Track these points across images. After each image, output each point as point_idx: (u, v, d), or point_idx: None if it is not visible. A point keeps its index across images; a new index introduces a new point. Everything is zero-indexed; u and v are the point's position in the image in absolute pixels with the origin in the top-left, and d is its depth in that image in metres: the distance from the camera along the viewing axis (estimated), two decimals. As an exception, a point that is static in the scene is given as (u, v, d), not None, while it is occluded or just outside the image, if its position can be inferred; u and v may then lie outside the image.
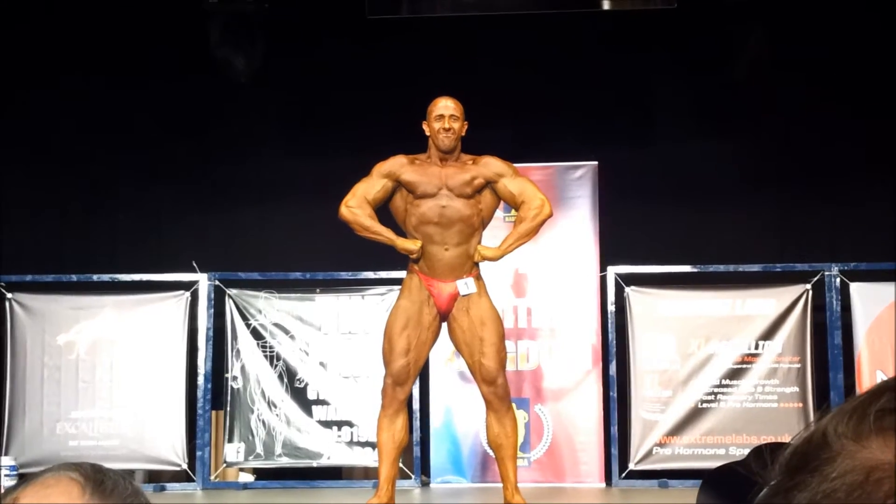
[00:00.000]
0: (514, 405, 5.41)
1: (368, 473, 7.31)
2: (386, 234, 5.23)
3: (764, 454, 0.65)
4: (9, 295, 7.33)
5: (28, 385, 7.24)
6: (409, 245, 5.20)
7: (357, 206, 5.23)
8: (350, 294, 7.40)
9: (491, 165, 5.35)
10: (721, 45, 7.56)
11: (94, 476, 1.02)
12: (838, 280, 7.18)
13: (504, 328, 5.42)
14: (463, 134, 5.39)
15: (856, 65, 7.65)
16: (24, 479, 1.11)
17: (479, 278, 5.38)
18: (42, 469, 1.09)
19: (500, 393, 5.28)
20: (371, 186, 5.28)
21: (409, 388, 5.27)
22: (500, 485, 7.11)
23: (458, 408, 7.31)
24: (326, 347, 7.36)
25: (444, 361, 7.35)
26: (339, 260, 7.54)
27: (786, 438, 0.67)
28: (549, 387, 7.31)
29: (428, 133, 5.36)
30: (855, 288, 7.12)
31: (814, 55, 7.63)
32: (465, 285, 5.15)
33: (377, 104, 7.70)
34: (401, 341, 5.20)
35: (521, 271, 7.43)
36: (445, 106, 5.36)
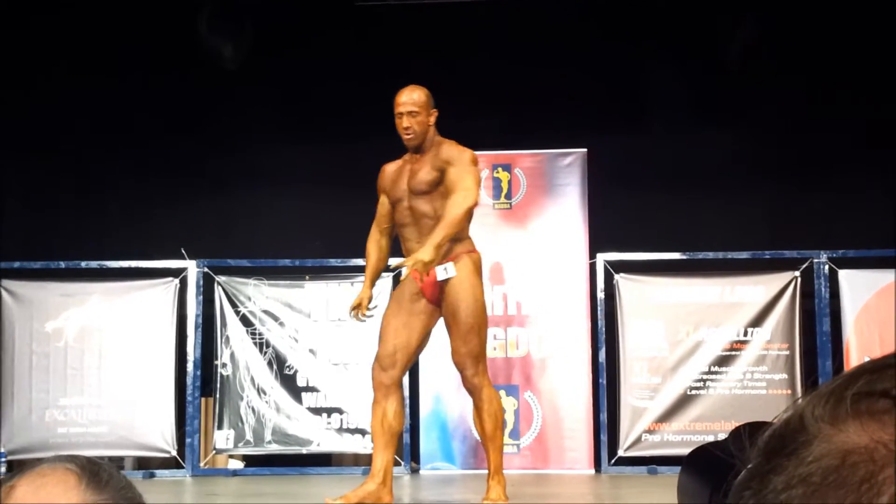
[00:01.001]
0: (496, 393, 5.29)
1: (358, 460, 7.33)
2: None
3: (742, 435, 0.65)
4: (-3, 282, 7.31)
5: (16, 372, 7.23)
6: (355, 301, 5.30)
7: (370, 236, 5.37)
8: (339, 281, 7.39)
9: (443, 153, 5.09)
10: (712, 32, 7.56)
11: (90, 468, 1.03)
12: (827, 267, 7.20)
13: (481, 315, 5.11)
14: (431, 123, 5.17)
15: (847, 53, 7.66)
16: (16, 469, 1.11)
17: (463, 259, 5.14)
18: (34, 458, 1.09)
19: (472, 383, 5.13)
20: (379, 206, 5.39)
21: (395, 374, 5.17)
22: (487, 471, 7.14)
23: (447, 395, 7.33)
24: (316, 334, 7.36)
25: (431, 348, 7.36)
26: (328, 247, 7.54)
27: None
28: (539, 374, 7.32)
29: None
30: (843, 275, 7.15)
31: (806, 43, 7.63)
32: (444, 270, 5.10)
33: (366, 92, 7.68)
34: (388, 327, 5.21)
35: (510, 258, 7.43)
36: (402, 102, 5.13)
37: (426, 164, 5.15)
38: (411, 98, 5.13)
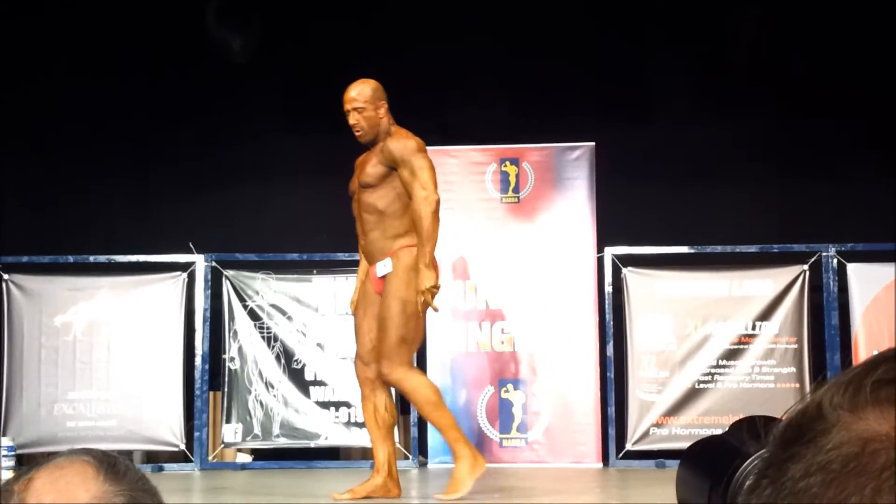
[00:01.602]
0: (419, 380, 5.12)
1: (366, 454, 7.33)
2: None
3: (743, 428, 0.65)
4: (5, 276, 7.32)
5: (25, 366, 7.24)
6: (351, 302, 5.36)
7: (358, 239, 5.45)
8: (347, 275, 7.39)
9: (388, 148, 5.01)
10: (720, 24, 7.54)
11: (107, 460, 1.04)
12: (835, 261, 7.18)
13: (399, 310, 4.98)
14: (381, 116, 5.05)
15: (855, 45, 7.63)
16: (27, 463, 1.12)
17: (401, 253, 5.02)
18: (43, 452, 1.11)
19: (387, 379, 5.04)
20: None
21: (377, 368, 5.14)
22: (496, 465, 7.14)
23: (453, 388, 7.33)
24: (324, 328, 7.37)
25: (441, 343, 7.37)
26: (335, 241, 7.54)
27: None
28: (546, 368, 7.32)
29: None
30: (852, 269, 7.13)
31: (813, 35, 7.61)
32: (383, 266, 5.11)
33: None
34: (361, 323, 5.22)
35: (518, 252, 7.42)
36: (348, 99, 5.06)
37: (373, 156, 5.09)
38: (355, 93, 5.05)
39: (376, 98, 5.07)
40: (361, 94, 5.05)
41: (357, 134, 5.09)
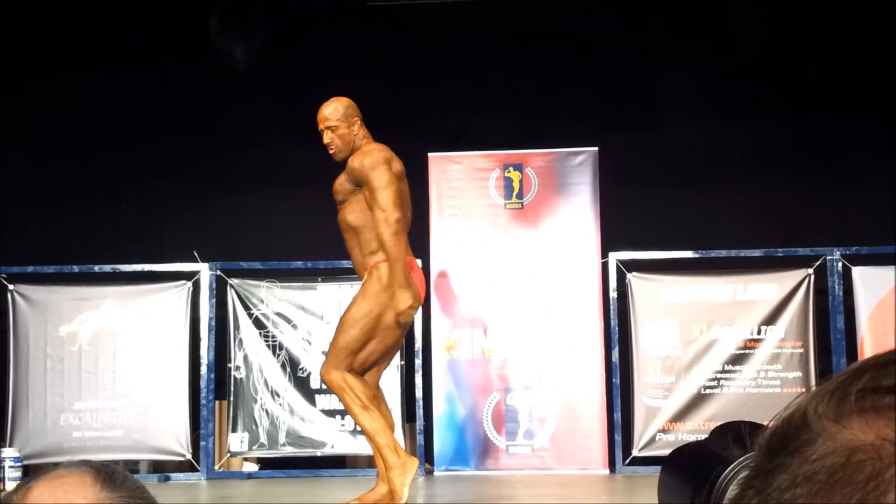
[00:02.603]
0: (344, 385, 5.06)
1: (372, 462, 7.31)
2: None
3: (726, 434, 0.64)
4: (11, 286, 7.33)
5: (31, 376, 7.25)
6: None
7: None
8: (352, 283, 7.37)
9: (350, 168, 4.95)
10: (723, 28, 7.53)
11: (105, 470, 1.06)
12: (840, 264, 7.17)
13: (351, 324, 4.96)
14: (355, 133, 4.99)
15: (860, 46, 7.62)
16: (33, 474, 1.13)
17: (375, 268, 4.98)
18: (49, 463, 1.13)
19: (322, 376, 5.08)
20: None
21: (373, 378, 5.19)
22: (502, 472, 7.14)
23: (460, 396, 7.32)
24: (329, 336, 7.35)
25: (446, 350, 7.37)
26: (340, 249, 7.53)
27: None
28: (552, 374, 7.31)
29: None
30: (857, 272, 7.11)
31: (817, 36, 7.60)
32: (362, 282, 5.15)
33: (377, 91, 7.69)
34: None
35: (522, 258, 7.42)
36: (321, 119, 5.01)
37: (343, 172, 5.08)
38: (329, 113, 5.02)
39: (349, 115, 5.03)
40: (334, 113, 5.01)
41: (331, 152, 5.06)
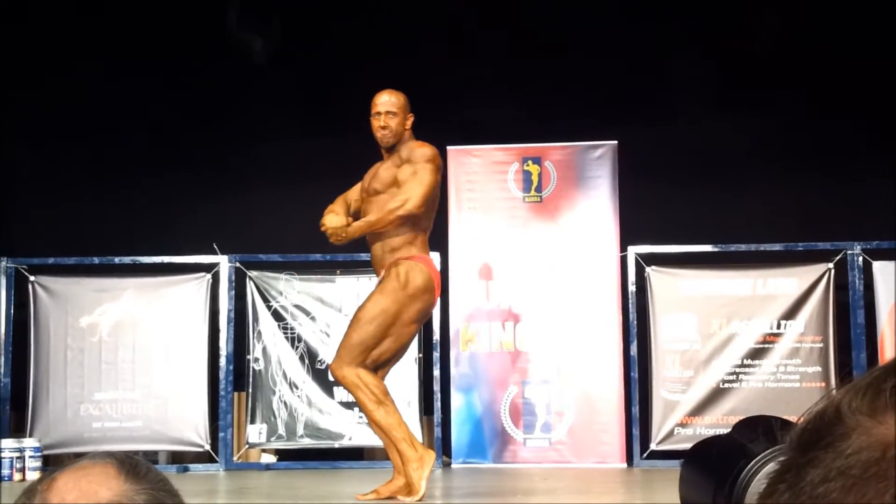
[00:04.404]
0: (359, 381, 5.02)
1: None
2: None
3: (748, 428, 0.64)
4: (31, 278, 7.37)
5: (52, 367, 7.29)
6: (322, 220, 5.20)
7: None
8: (370, 275, 7.39)
9: (404, 150, 5.09)
10: (742, 21, 7.50)
11: (128, 461, 1.07)
12: (861, 259, 7.13)
13: (368, 320, 4.97)
14: (408, 127, 5.15)
15: (879, 40, 7.57)
16: (53, 465, 1.14)
17: (397, 265, 5.02)
18: (69, 453, 1.14)
19: (333, 372, 5.09)
20: (352, 190, 5.43)
21: (383, 374, 5.19)
22: (520, 465, 7.14)
23: (477, 389, 7.33)
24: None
25: (463, 343, 7.37)
26: (358, 241, 7.55)
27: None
28: (570, 368, 7.30)
29: (372, 130, 5.22)
30: (878, 266, 7.07)
31: (834, 32, 7.56)
32: (379, 278, 5.13)
33: (394, 85, 7.68)
34: None
35: (541, 252, 7.41)
36: (382, 102, 5.14)
37: (390, 162, 5.14)
38: (391, 99, 5.16)
39: (406, 108, 5.19)
40: (397, 101, 5.16)
41: (383, 133, 5.13)
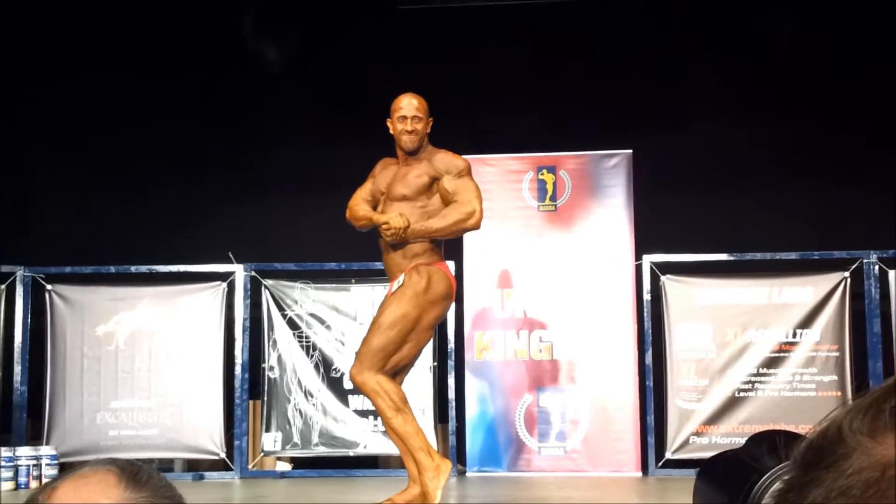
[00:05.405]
0: (380, 388, 4.94)
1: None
2: (368, 214, 5.20)
3: (761, 443, 0.65)
4: (48, 286, 7.42)
5: (68, 376, 7.33)
6: (382, 217, 5.05)
7: (351, 204, 5.32)
8: (385, 284, 7.39)
9: (439, 161, 5.10)
10: (756, 29, 7.49)
11: (129, 468, 1.07)
12: (877, 267, 7.10)
13: (388, 324, 4.96)
14: (428, 131, 5.19)
15: (893, 49, 7.55)
16: (60, 473, 1.14)
17: (416, 269, 5.02)
18: (85, 461, 1.14)
19: (353, 379, 5.07)
20: (363, 188, 5.38)
21: (399, 380, 5.18)
22: (534, 473, 7.14)
23: (492, 397, 7.33)
24: (362, 337, 7.37)
25: (478, 351, 7.37)
26: (373, 250, 7.56)
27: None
28: (585, 376, 7.30)
29: (392, 132, 5.21)
30: (894, 275, 7.05)
31: (848, 40, 7.54)
32: (398, 283, 5.11)
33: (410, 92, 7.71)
34: None
35: (556, 261, 7.41)
36: (409, 105, 5.16)
37: (417, 168, 5.12)
38: (419, 102, 5.19)
39: (428, 114, 5.22)
40: (422, 105, 5.19)
41: (410, 138, 5.15)
